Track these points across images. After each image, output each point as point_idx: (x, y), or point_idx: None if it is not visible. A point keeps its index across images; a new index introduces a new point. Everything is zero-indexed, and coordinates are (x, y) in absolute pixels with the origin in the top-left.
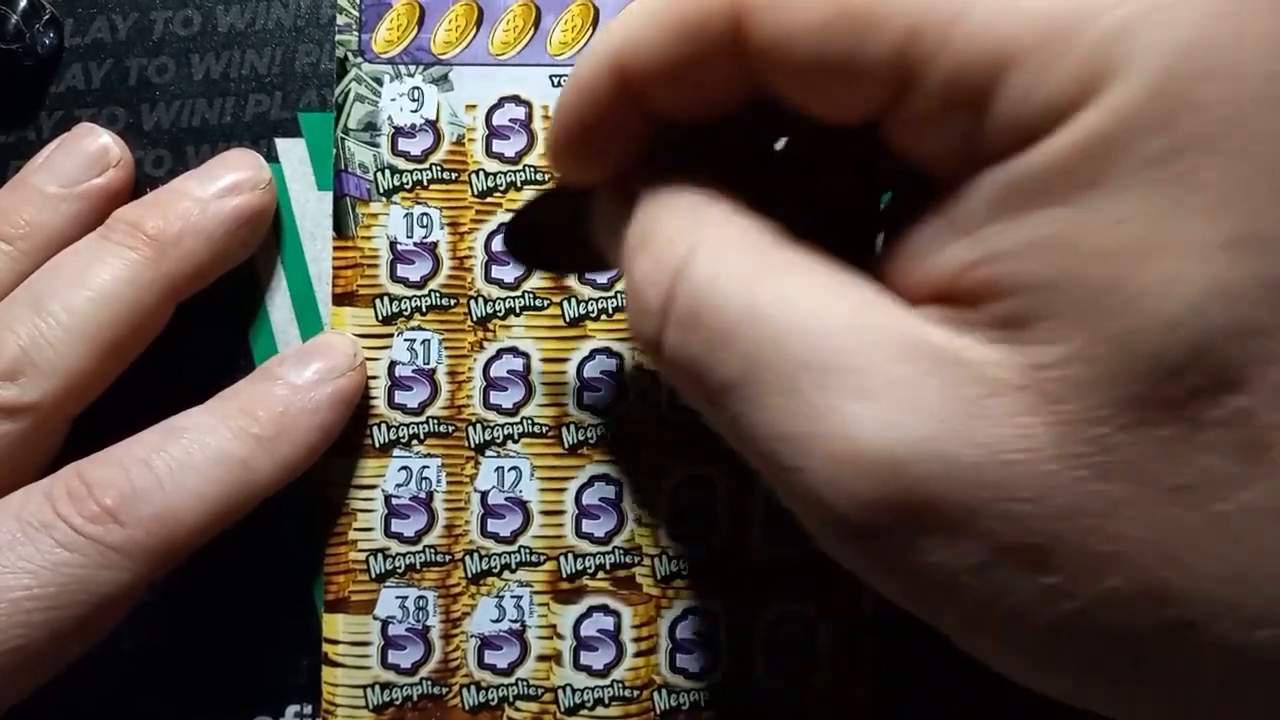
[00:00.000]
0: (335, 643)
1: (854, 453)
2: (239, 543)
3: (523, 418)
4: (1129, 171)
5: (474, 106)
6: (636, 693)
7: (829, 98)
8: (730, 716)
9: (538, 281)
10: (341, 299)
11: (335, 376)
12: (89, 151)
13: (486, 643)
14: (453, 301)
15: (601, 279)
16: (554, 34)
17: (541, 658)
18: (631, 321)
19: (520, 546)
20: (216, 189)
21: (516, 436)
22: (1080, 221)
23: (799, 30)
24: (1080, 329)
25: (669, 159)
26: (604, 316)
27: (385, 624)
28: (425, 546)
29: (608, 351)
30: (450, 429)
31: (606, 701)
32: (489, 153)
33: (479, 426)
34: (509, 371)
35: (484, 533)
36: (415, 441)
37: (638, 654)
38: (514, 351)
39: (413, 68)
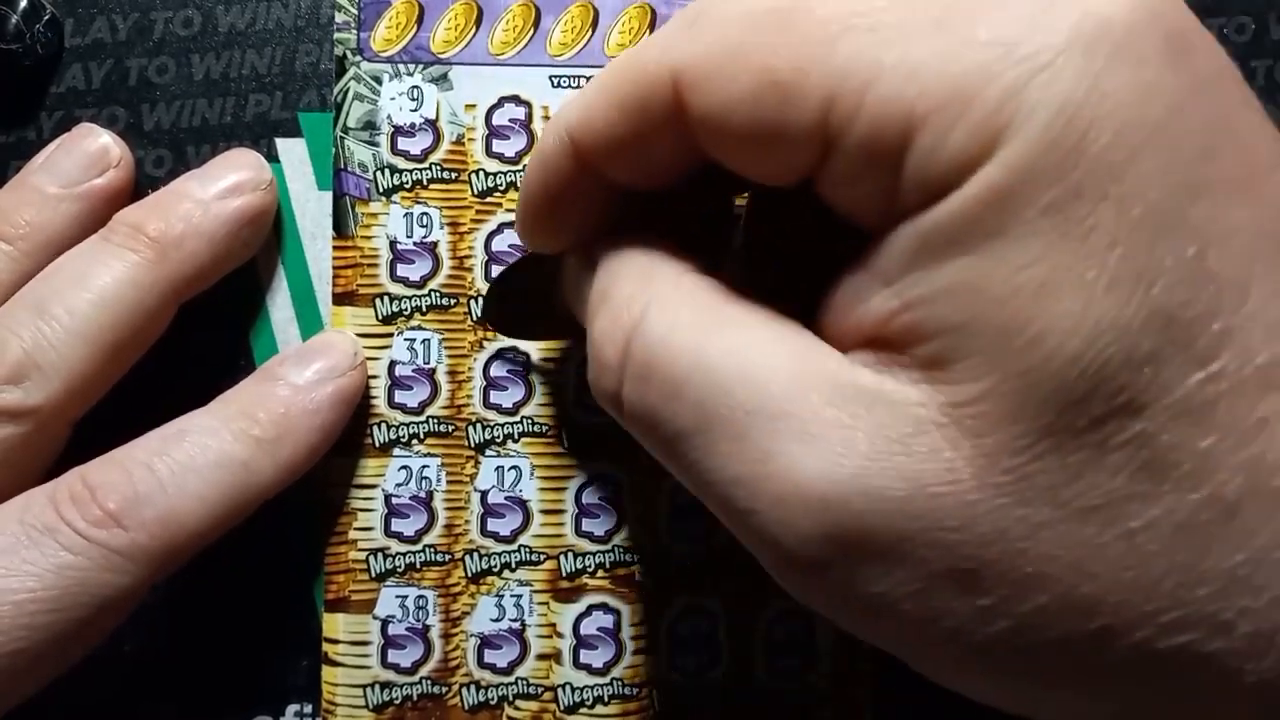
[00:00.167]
0: (335, 642)
1: (797, 492)
2: (239, 543)
3: (523, 417)
4: (1027, 220)
5: (473, 106)
6: (636, 691)
7: (762, 161)
8: (730, 715)
9: None
10: (341, 298)
11: (336, 376)
12: (89, 152)
13: (486, 642)
14: (453, 301)
15: None
16: (554, 34)
17: (541, 656)
18: (592, 378)
19: (520, 545)
20: (218, 190)
21: (516, 436)
22: (986, 269)
23: (732, 102)
24: (992, 368)
25: (628, 223)
26: None
27: (385, 623)
28: (425, 546)
29: None
30: (450, 428)
31: (606, 700)
32: (489, 152)
33: (479, 426)
34: (509, 371)
35: (484, 532)
36: (415, 441)
37: (637, 652)
38: (514, 351)
39: (412, 67)
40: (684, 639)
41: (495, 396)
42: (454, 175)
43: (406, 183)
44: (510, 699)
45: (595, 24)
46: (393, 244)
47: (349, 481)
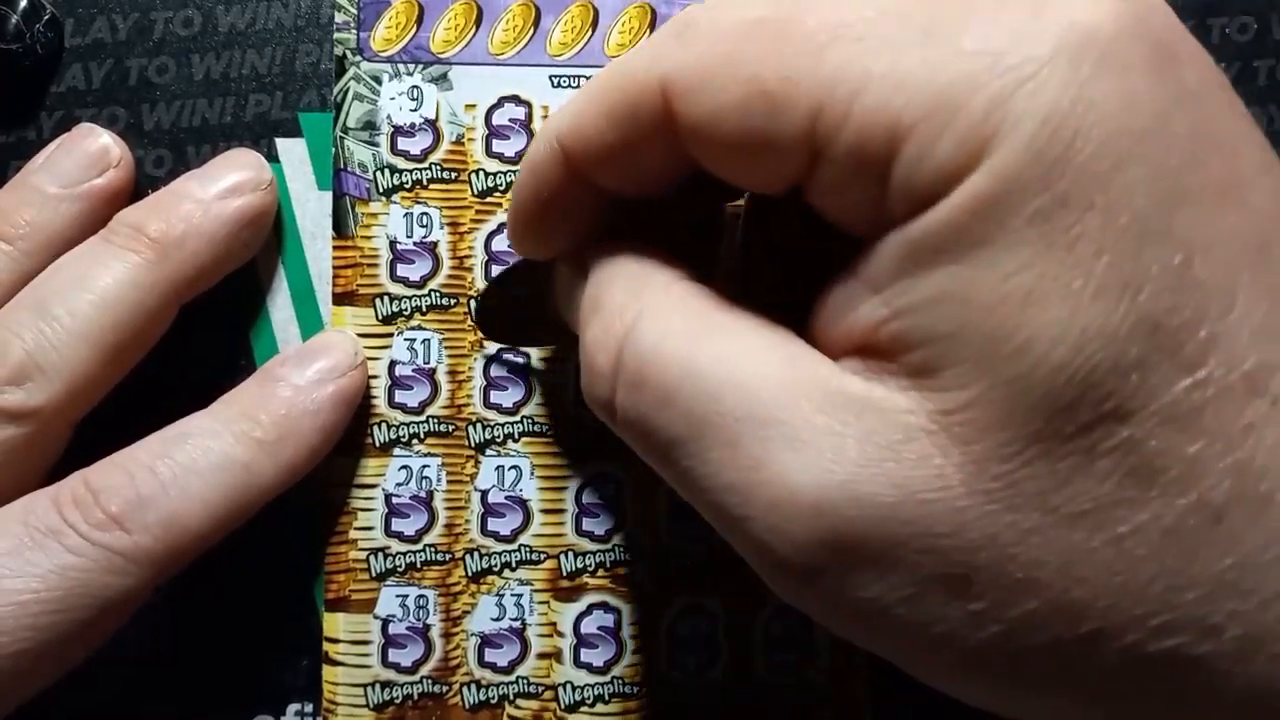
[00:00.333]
0: (336, 641)
1: (789, 499)
2: (240, 543)
3: (523, 417)
4: (1014, 229)
5: (473, 106)
6: (636, 689)
7: (751, 170)
8: (730, 713)
9: None
10: (341, 298)
11: (337, 376)
12: (89, 152)
13: (487, 641)
14: (453, 301)
15: None
16: (553, 34)
17: (542, 655)
18: (585, 386)
19: (520, 545)
20: (218, 190)
21: (516, 436)
22: (973, 277)
23: (720, 111)
24: (980, 375)
25: (620, 230)
26: None
27: (386, 623)
28: (425, 545)
29: None
30: (450, 428)
31: (607, 699)
32: (489, 152)
33: (479, 425)
34: (509, 371)
35: (484, 531)
36: (415, 441)
37: (637, 651)
38: (514, 351)
39: (412, 67)
40: (684, 638)
41: (495, 396)
42: (454, 175)
43: (406, 183)
44: (511, 698)
45: (595, 24)
46: (393, 244)
47: (349, 481)
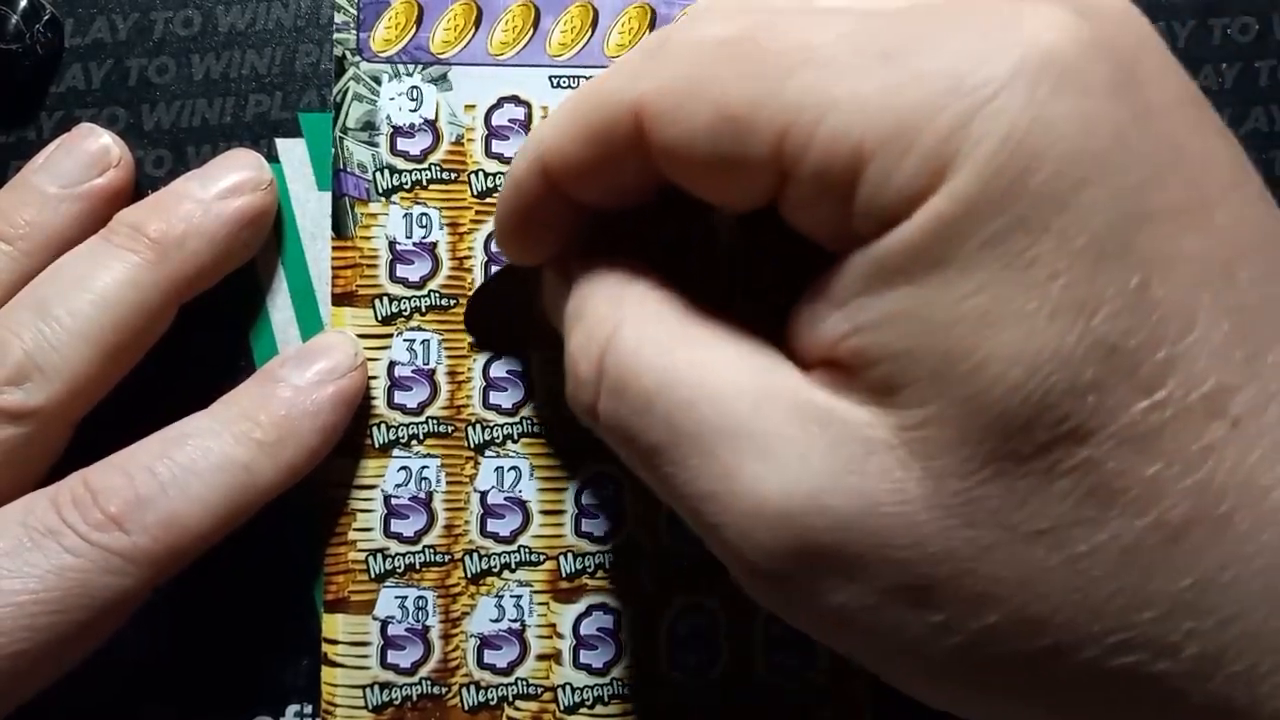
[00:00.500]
0: (335, 643)
1: (758, 508)
2: (239, 544)
3: (522, 418)
4: (971, 251)
5: (473, 106)
6: (636, 690)
7: (723, 189)
8: (730, 713)
9: None
10: (341, 299)
11: (337, 377)
12: (89, 152)
13: (486, 642)
14: (452, 302)
15: None
16: (553, 35)
17: (541, 657)
18: (570, 392)
19: (520, 546)
20: (218, 190)
21: (516, 436)
22: (930, 298)
23: (690, 134)
24: (938, 394)
25: (604, 236)
26: None
27: (385, 624)
28: (425, 546)
29: None
30: (450, 429)
31: (606, 700)
32: (488, 153)
33: (478, 426)
34: (508, 371)
35: (483, 532)
36: (415, 441)
37: (637, 652)
38: (514, 352)
39: (411, 67)
40: (683, 638)
41: (495, 397)
42: (453, 176)
43: (406, 183)
44: (510, 699)
45: (595, 24)
46: (392, 244)
47: (348, 482)
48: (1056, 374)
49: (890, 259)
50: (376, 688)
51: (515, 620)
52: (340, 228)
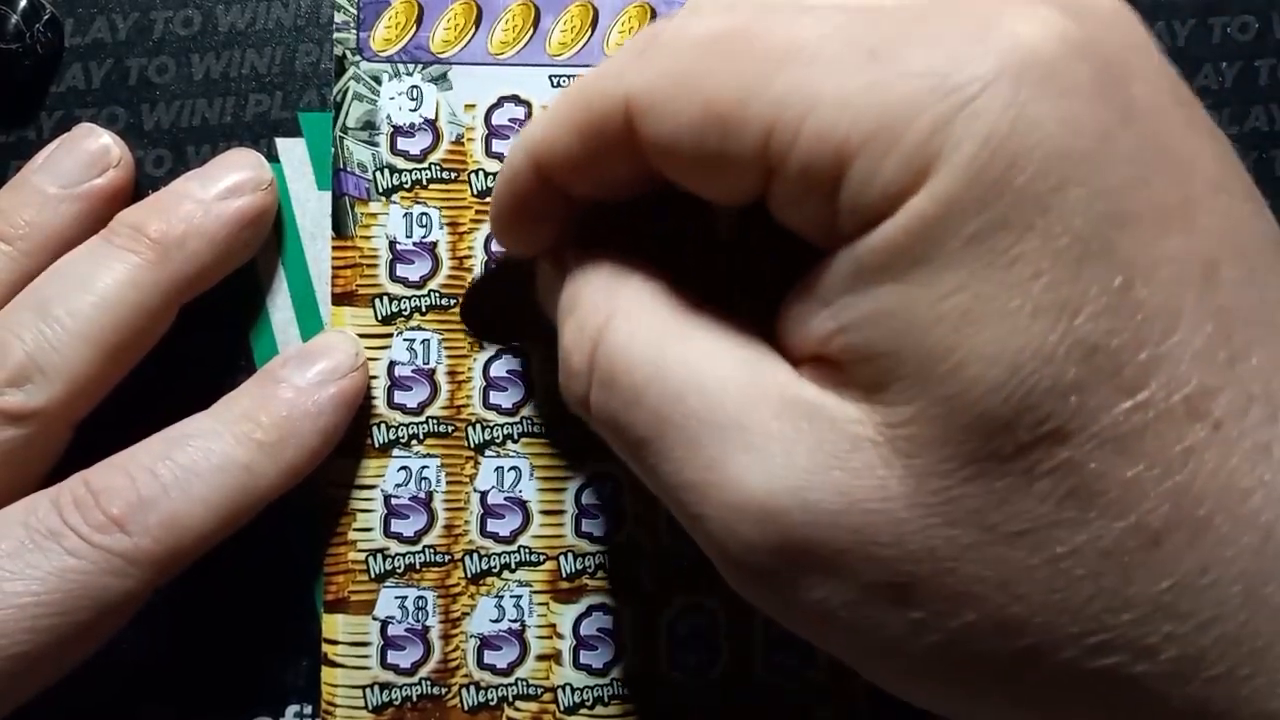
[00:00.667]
0: (335, 643)
1: (741, 501)
2: (239, 544)
3: (522, 417)
4: (953, 251)
5: (473, 106)
6: (636, 691)
7: (711, 184)
8: (730, 713)
9: None
10: (341, 299)
11: (338, 377)
12: (89, 151)
13: (486, 642)
14: (452, 301)
15: None
16: (553, 34)
17: (541, 657)
18: (563, 383)
19: (520, 546)
20: (219, 190)
21: (516, 436)
22: (913, 297)
23: (678, 130)
24: (920, 392)
25: (598, 229)
26: None
27: (385, 624)
28: (425, 546)
29: None
30: (450, 429)
31: (606, 700)
32: (488, 152)
33: (478, 426)
34: (509, 371)
35: (483, 532)
36: (415, 441)
37: (637, 652)
38: (514, 351)
39: (411, 67)
40: (683, 638)
41: (495, 397)
42: (453, 175)
43: (406, 183)
44: (510, 700)
45: (595, 24)
46: (392, 244)
47: (348, 482)
48: (1038, 374)
49: (873, 257)
50: (376, 688)
51: (515, 620)
52: (340, 227)
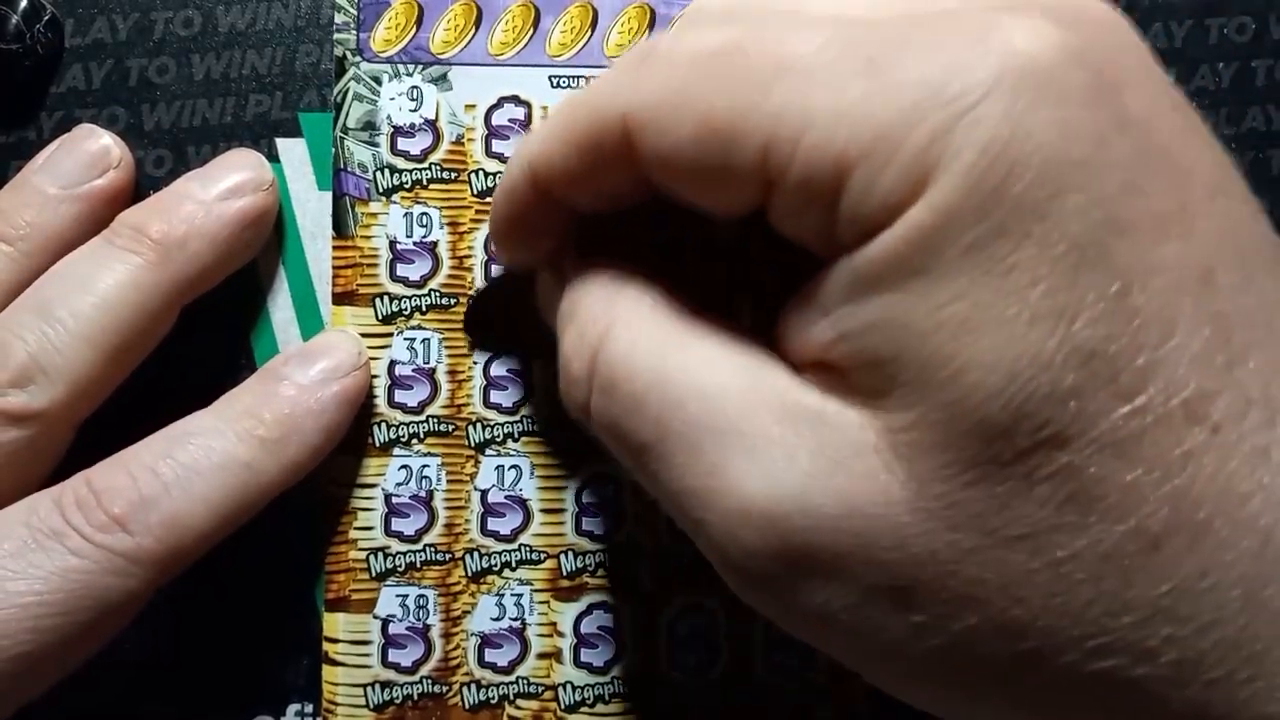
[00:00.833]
0: (335, 641)
1: (742, 506)
2: (240, 542)
3: (522, 417)
4: (951, 259)
5: (473, 106)
6: (636, 689)
7: (710, 197)
8: (730, 713)
9: None
10: (341, 298)
11: (340, 376)
12: (90, 152)
13: (487, 641)
14: (452, 301)
15: None
16: (553, 35)
17: (542, 655)
18: (563, 390)
19: (520, 545)
20: (220, 191)
21: (516, 435)
22: (911, 305)
23: (676, 145)
24: (920, 398)
25: (597, 239)
26: None
27: (385, 623)
28: (425, 545)
29: None
30: (450, 428)
31: (607, 699)
32: (489, 152)
33: (479, 425)
34: (509, 370)
35: (484, 531)
36: (415, 440)
37: (637, 651)
38: (514, 350)
39: (411, 67)
40: (684, 637)
41: (495, 396)
42: (453, 175)
43: (406, 183)
44: (511, 698)
45: (595, 24)
46: (392, 244)
47: (349, 481)
48: (1036, 380)
49: (873, 267)
50: (377, 686)
51: (516, 619)
52: (341, 227)
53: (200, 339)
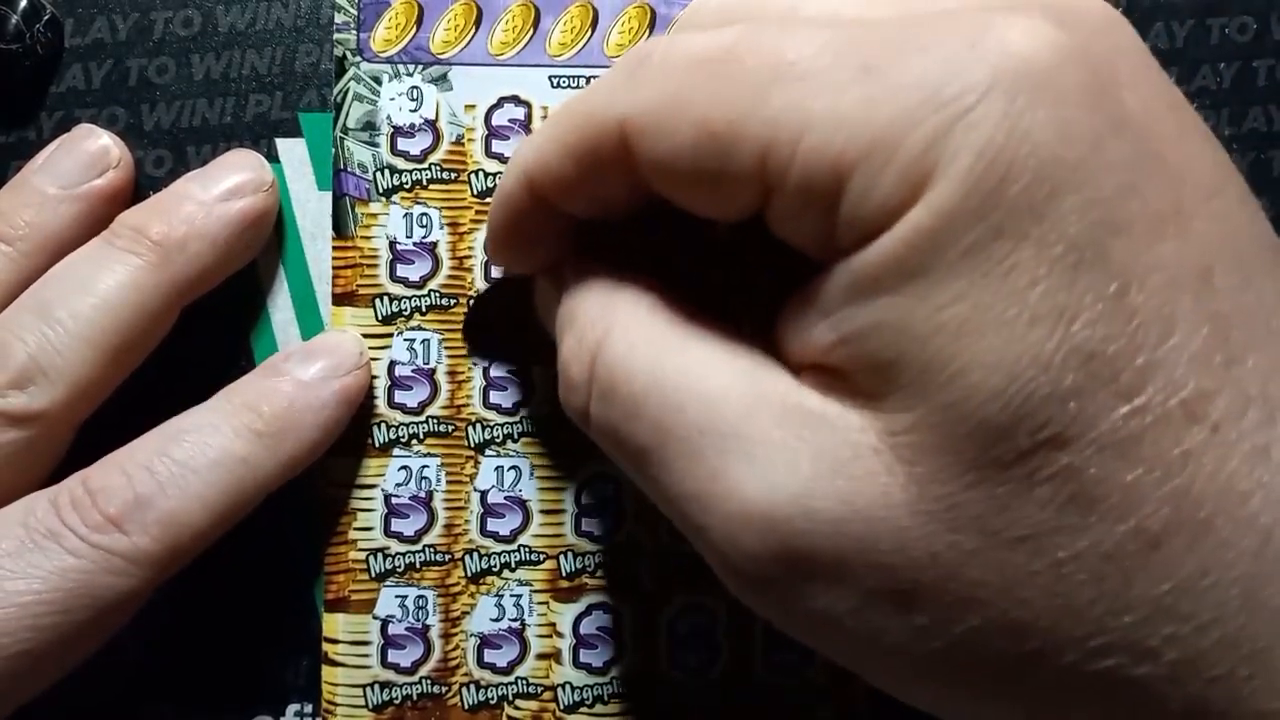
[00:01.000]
0: (335, 642)
1: (743, 510)
2: (239, 542)
3: (522, 417)
4: (950, 261)
5: (473, 106)
6: (636, 689)
7: (709, 202)
8: (730, 712)
9: None
10: (341, 299)
11: (341, 374)
12: (89, 152)
13: (486, 641)
14: (452, 301)
15: None
16: (553, 35)
17: (541, 656)
18: (562, 395)
19: (520, 545)
20: (220, 191)
21: (516, 436)
22: (910, 308)
23: (674, 151)
24: (920, 400)
25: (595, 245)
26: None
27: (385, 623)
28: (425, 546)
29: None
30: (450, 428)
31: (606, 699)
32: (488, 153)
33: (479, 426)
34: (508, 371)
35: (484, 532)
36: (415, 441)
37: (637, 651)
38: (513, 356)
39: (411, 67)
40: (683, 637)
41: (495, 396)
42: (453, 175)
43: (406, 183)
44: (510, 698)
45: (595, 24)
46: (392, 244)
47: (349, 481)
48: (1036, 381)
49: (872, 270)
50: (377, 687)
51: (515, 619)
52: (340, 227)
53: (200, 339)
